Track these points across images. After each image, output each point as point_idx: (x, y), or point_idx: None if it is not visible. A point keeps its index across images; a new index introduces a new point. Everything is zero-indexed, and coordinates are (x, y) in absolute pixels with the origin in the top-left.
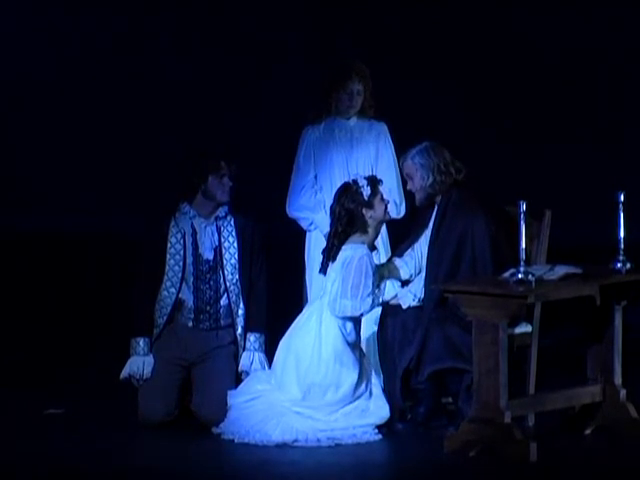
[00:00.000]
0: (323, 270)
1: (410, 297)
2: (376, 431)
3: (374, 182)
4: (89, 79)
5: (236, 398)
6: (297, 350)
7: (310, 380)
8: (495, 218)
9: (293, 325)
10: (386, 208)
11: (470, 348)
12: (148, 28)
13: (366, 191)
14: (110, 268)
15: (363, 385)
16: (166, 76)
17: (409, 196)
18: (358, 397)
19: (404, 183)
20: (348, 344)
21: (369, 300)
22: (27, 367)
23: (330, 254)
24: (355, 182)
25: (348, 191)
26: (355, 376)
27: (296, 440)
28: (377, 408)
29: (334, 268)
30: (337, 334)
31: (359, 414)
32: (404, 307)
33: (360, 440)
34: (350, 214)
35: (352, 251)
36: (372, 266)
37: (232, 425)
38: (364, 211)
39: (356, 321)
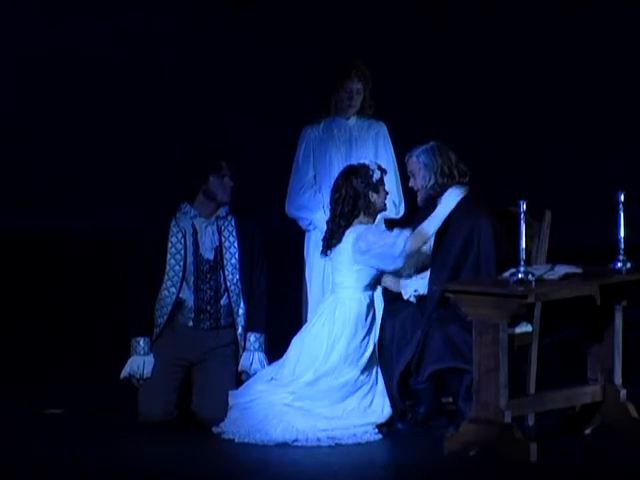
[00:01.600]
0: (324, 251)
1: (412, 288)
2: (376, 431)
3: (381, 170)
4: (89, 80)
5: (237, 398)
6: (309, 351)
7: (320, 373)
8: (498, 220)
9: (308, 323)
10: (385, 198)
11: (471, 348)
12: (149, 27)
13: (376, 175)
14: (110, 268)
15: (366, 373)
16: (166, 76)
17: (409, 195)
18: (361, 385)
19: (403, 183)
20: (362, 340)
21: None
22: (27, 367)
23: (334, 235)
24: (365, 166)
25: (360, 173)
26: (361, 369)
27: (296, 440)
28: (379, 406)
29: (342, 249)
30: (350, 334)
31: (361, 412)
32: (405, 297)
33: (360, 440)
34: (358, 195)
35: (355, 231)
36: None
37: (232, 425)
38: (370, 194)
39: (371, 307)
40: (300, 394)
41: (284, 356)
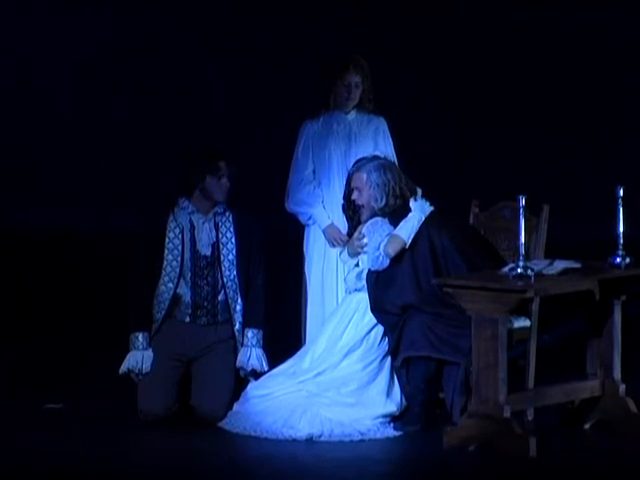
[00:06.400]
0: None
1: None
2: (393, 425)
3: None
4: (89, 79)
5: (256, 390)
6: (332, 340)
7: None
8: (451, 223)
9: (331, 315)
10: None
11: (449, 342)
12: (149, 28)
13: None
14: (109, 263)
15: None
16: (166, 75)
17: None
18: (381, 353)
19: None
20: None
21: None
22: (27, 365)
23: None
24: None
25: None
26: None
27: (322, 434)
28: (396, 394)
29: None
30: (373, 321)
31: (384, 399)
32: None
33: (380, 435)
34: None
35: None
36: None
37: (240, 418)
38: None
39: None
40: (323, 381)
41: (304, 348)
